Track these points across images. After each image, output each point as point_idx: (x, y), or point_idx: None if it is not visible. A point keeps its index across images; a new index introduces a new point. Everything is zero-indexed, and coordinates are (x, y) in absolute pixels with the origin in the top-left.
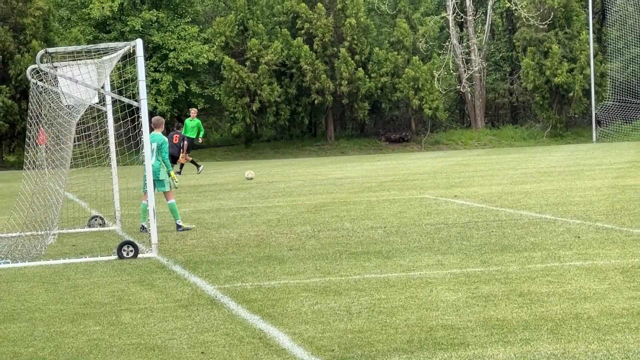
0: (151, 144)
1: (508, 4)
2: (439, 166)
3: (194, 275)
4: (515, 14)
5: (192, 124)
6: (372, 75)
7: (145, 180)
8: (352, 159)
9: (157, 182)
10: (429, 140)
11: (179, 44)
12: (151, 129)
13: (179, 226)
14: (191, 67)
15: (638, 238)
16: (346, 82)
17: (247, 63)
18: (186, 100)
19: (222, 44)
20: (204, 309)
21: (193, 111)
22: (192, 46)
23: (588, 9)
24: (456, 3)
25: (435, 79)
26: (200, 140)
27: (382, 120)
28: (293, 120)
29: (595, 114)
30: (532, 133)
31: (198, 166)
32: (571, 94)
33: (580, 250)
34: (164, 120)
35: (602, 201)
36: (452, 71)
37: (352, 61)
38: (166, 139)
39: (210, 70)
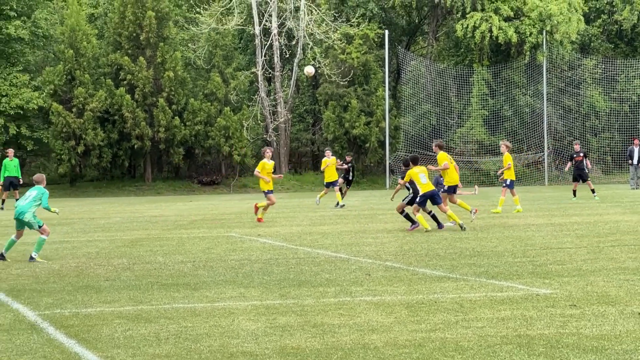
0: (31, 191)
1: (312, 62)
2: (246, 207)
3: (16, 302)
4: (319, 71)
5: (14, 163)
6: (187, 123)
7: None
8: (167, 199)
9: (23, 222)
10: (238, 183)
11: (11, 90)
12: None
13: (32, 257)
14: (22, 112)
15: (423, 276)
16: (163, 129)
17: (74, 109)
18: (17, 142)
19: (51, 91)
20: (25, 334)
21: (11, 152)
22: (23, 92)
23: (385, 68)
24: (265, 60)
25: (245, 128)
26: (21, 181)
27: (195, 164)
28: (114, 163)
29: (389, 163)
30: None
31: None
32: (367, 145)
33: (370, 286)
34: (44, 176)
35: (392, 242)
36: (260, 121)
37: (170, 110)
38: (47, 192)
39: (40, 115)
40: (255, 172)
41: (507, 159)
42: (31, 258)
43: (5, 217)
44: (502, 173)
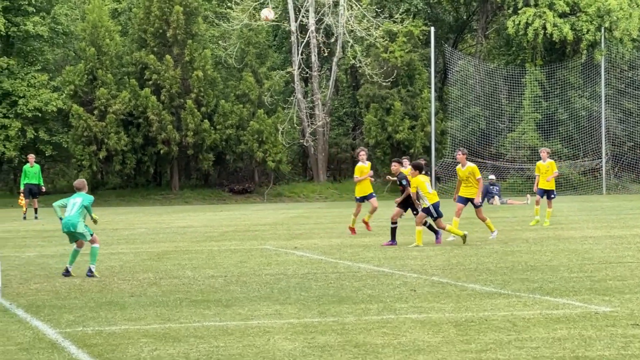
0: (75, 198)
1: (352, 61)
2: (281, 218)
3: (36, 319)
4: (360, 71)
5: (34, 170)
6: (218, 127)
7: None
8: (195, 208)
9: (75, 234)
10: (272, 192)
11: (29, 91)
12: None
13: (90, 270)
14: (40, 114)
15: (472, 292)
16: (192, 133)
17: (95, 112)
18: (34, 147)
19: (71, 92)
20: (45, 353)
21: (32, 157)
22: (42, 94)
23: (430, 68)
24: (302, 59)
25: (280, 133)
26: (43, 189)
27: (226, 171)
28: (139, 169)
29: (435, 170)
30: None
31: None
32: (412, 150)
33: (415, 303)
34: (85, 181)
35: (438, 256)
36: (296, 125)
37: (199, 113)
38: (92, 198)
39: (59, 117)
40: (355, 179)
41: (554, 166)
42: (89, 271)
43: (24, 227)
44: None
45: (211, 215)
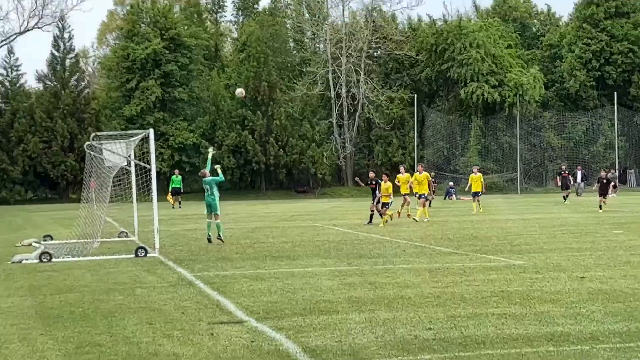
0: (205, 186)
1: (368, 115)
2: (325, 207)
3: (179, 267)
4: (372, 120)
5: (178, 179)
6: (288, 154)
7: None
8: (275, 202)
9: (212, 206)
10: (320, 192)
11: (175, 132)
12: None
13: (219, 236)
14: (182, 146)
15: (439, 252)
16: (272, 157)
17: (215, 144)
18: (179, 165)
19: (201, 133)
20: (184, 287)
21: (177, 171)
22: (183, 134)
23: (414, 118)
24: (337, 113)
25: (325, 157)
26: (182, 190)
27: (293, 180)
28: (241, 178)
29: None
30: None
31: None
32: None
33: (405, 258)
34: (206, 171)
35: (419, 230)
36: (334, 152)
37: (277, 145)
38: (212, 178)
39: (193, 148)
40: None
41: (481, 178)
42: (219, 236)
43: (172, 213)
44: (470, 187)
45: (284, 206)
